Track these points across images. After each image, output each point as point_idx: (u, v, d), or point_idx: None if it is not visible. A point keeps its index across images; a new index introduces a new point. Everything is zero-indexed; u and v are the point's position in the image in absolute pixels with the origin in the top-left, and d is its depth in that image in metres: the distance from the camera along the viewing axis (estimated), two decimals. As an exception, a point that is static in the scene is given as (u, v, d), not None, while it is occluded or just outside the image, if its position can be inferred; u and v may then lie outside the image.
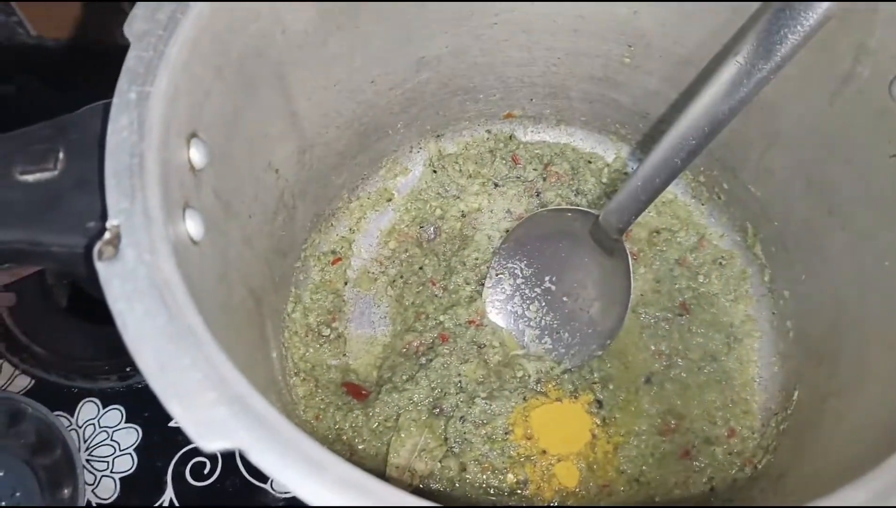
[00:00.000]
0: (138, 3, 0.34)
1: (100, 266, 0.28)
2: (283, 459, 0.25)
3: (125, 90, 0.32)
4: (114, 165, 0.30)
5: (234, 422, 0.25)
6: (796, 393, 0.52)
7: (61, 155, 0.33)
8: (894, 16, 0.38)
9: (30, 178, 0.33)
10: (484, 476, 0.52)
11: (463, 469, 0.52)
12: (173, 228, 0.31)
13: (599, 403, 0.56)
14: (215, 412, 0.25)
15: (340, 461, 0.26)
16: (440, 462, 0.53)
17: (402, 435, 0.53)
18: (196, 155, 0.35)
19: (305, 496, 0.25)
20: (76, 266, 0.31)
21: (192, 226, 0.34)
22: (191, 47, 0.34)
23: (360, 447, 0.54)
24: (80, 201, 0.32)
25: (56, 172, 0.33)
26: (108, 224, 0.29)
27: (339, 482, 0.25)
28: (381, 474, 0.53)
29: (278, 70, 0.44)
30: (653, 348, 0.57)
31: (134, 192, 0.29)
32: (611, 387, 0.56)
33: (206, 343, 0.27)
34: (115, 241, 0.28)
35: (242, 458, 0.46)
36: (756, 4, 0.43)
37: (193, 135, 0.35)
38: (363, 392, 0.56)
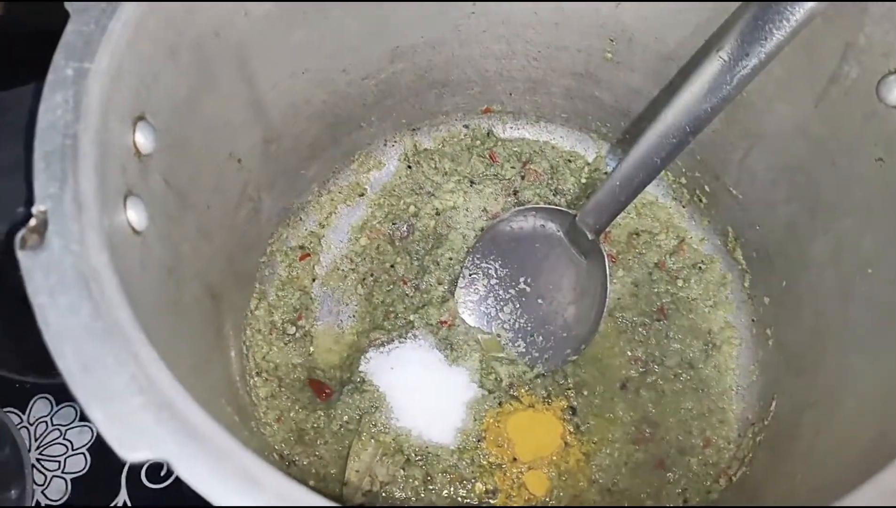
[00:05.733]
0: (81, -26, 0.31)
1: (21, 255, 0.25)
2: (215, 474, 0.23)
3: (61, 66, 0.29)
4: (44, 147, 0.27)
5: (160, 430, 0.23)
6: (774, 403, 0.51)
7: (-8, 135, 0.31)
8: (884, 13, 0.37)
9: (-44, 159, 0.31)
10: (451, 488, 0.50)
11: (429, 478, 0.50)
12: (110, 216, 0.29)
13: (573, 410, 0.54)
14: (140, 419, 0.23)
15: (280, 475, 0.23)
16: (403, 469, 0.50)
17: (364, 438, 0.51)
18: (143, 139, 0.33)
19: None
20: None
21: (135, 215, 0.31)
22: (137, 23, 0.32)
23: (322, 449, 0.51)
24: (11, 186, 0.30)
25: (-15, 154, 0.30)
26: (34, 210, 0.26)
27: (277, 499, 0.23)
28: (341, 478, 0.50)
29: (240, 54, 0.42)
30: (629, 353, 0.56)
31: (65, 176, 0.27)
32: (585, 393, 0.54)
33: (135, 342, 0.25)
34: (41, 228, 0.26)
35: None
36: (741, -1, 0.42)
37: (140, 118, 0.33)
38: (326, 391, 0.54)
